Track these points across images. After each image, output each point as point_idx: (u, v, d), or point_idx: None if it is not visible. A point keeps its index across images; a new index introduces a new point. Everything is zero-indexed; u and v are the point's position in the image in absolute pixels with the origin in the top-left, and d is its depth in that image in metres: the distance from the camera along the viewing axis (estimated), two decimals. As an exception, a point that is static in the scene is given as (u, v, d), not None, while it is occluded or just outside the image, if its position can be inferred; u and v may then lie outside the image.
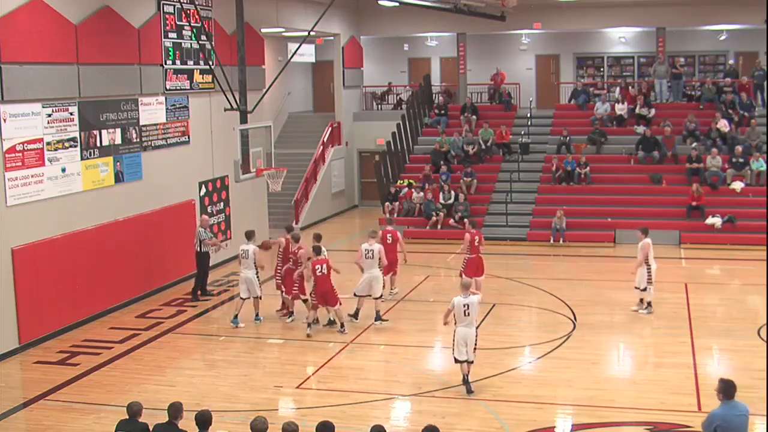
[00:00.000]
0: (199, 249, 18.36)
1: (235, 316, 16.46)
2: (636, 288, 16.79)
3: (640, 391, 12.74)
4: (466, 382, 12.66)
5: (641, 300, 16.79)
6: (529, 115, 28.88)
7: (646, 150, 25.65)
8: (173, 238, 19.49)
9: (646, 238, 16.83)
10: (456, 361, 12.75)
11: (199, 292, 18.62)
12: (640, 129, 26.44)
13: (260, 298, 16.73)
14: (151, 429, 9.08)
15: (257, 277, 16.51)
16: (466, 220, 21.56)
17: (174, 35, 19.62)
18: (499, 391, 12.80)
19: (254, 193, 23.16)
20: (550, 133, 27.82)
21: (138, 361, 14.63)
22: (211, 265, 19.26)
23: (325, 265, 15.46)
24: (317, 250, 15.58)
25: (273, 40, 28.08)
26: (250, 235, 16.77)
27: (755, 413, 11.52)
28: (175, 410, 9.03)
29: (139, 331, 16.28)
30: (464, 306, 12.61)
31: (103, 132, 17.39)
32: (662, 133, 25.90)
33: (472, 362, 12.72)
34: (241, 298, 16.57)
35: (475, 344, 12.76)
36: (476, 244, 17.47)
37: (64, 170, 16.23)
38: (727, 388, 8.43)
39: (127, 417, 9.22)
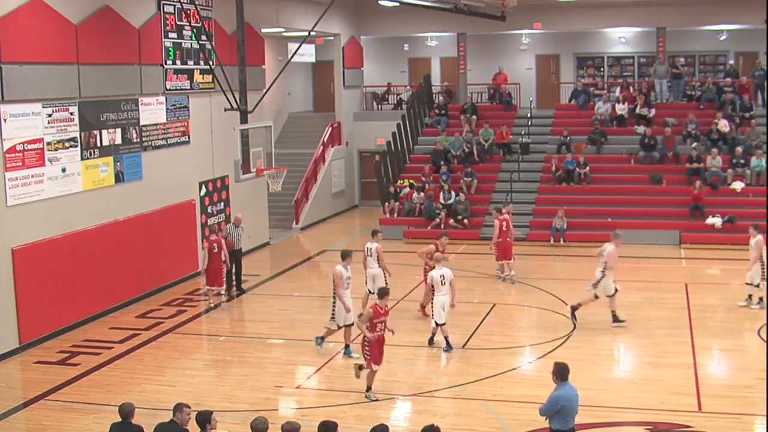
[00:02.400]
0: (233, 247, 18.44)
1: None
2: (747, 284, 16.80)
3: (640, 391, 12.75)
4: (447, 343, 14.70)
5: (750, 296, 16.81)
6: (529, 115, 28.88)
7: (646, 150, 25.66)
8: (173, 238, 19.50)
9: (759, 234, 16.83)
10: (436, 324, 14.75)
11: (233, 289, 18.84)
12: (640, 129, 26.45)
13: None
14: (150, 428, 9.09)
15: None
16: (493, 209, 21.33)
17: (174, 35, 19.63)
18: (499, 391, 12.80)
19: (254, 193, 23.16)
20: (551, 133, 27.82)
21: (138, 361, 14.63)
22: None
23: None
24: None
25: (273, 40, 28.08)
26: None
27: (755, 413, 11.60)
28: (177, 409, 9.08)
29: (139, 331, 16.28)
30: (440, 276, 14.65)
31: (104, 132, 17.39)
32: (663, 133, 25.91)
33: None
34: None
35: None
36: (504, 228, 19.08)
37: (64, 170, 16.23)
38: (560, 371, 9.23)
39: (120, 419, 9.17)
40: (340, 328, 14.48)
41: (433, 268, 15.24)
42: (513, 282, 19.42)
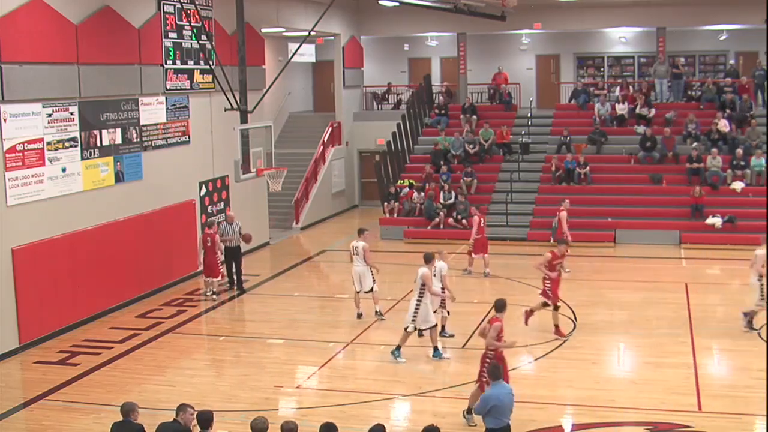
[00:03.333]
0: (227, 244, 18.81)
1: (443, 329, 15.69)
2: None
3: (640, 391, 12.74)
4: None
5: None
6: (529, 115, 28.88)
7: (646, 150, 25.65)
8: (173, 238, 19.51)
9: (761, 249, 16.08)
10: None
11: (234, 289, 19.14)
12: (640, 129, 26.44)
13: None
14: (150, 428, 9.10)
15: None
16: (472, 208, 22.15)
17: (174, 35, 19.62)
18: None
19: (254, 193, 23.16)
20: (551, 133, 27.82)
21: (138, 361, 14.63)
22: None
23: None
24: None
25: (273, 40, 28.08)
26: (428, 259, 14.77)
27: (755, 413, 11.60)
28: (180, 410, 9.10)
29: (139, 331, 16.28)
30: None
31: (104, 132, 17.40)
32: (663, 133, 25.91)
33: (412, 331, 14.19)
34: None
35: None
36: (482, 225, 20.24)
37: (64, 170, 16.24)
38: (492, 370, 9.73)
39: (121, 418, 9.19)
40: (416, 330, 14.16)
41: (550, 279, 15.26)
42: (486, 275, 20.17)
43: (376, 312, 16.71)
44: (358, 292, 16.71)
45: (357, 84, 31.24)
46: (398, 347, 14.20)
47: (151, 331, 16.30)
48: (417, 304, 14.06)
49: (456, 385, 12.96)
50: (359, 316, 16.68)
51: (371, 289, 16.71)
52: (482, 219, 20.53)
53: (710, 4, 27.82)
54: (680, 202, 23.97)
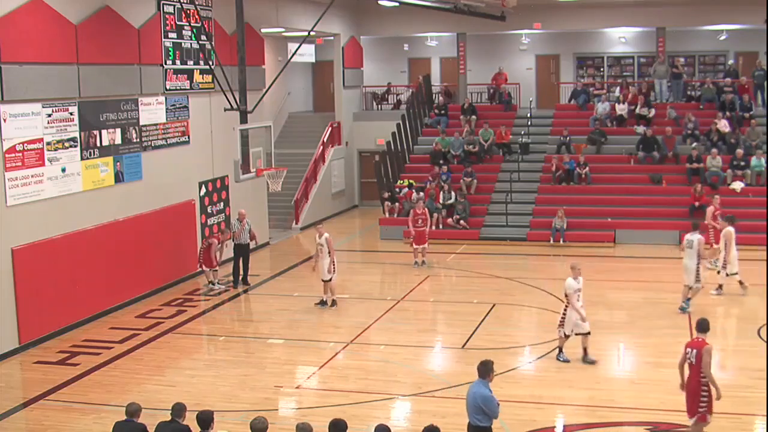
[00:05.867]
0: (235, 241, 19.72)
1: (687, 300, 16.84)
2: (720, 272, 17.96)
3: (640, 391, 12.75)
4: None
5: (720, 285, 18.02)
6: (529, 115, 28.87)
7: (646, 150, 25.66)
8: (173, 238, 19.51)
9: (729, 226, 18.06)
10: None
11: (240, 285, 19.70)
12: (640, 129, 26.44)
13: (693, 288, 16.88)
14: (150, 428, 9.10)
15: (698, 267, 16.79)
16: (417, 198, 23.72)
17: (174, 35, 19.62)
18: (499, 391, 12.68)
19: (254, 193, 23.16)
20: (550, 133, 27.81)
21: (138, 361, 14.63)
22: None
23: None
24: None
25: (273, 40, 28.08)
26: (695, 226, 17.27)
27: (755, 413, 11.59)
28: (178, 410, 9.09)
29: (139, 331, 16.28)
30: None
31: (103, 132, 17.39)
32: (663, 133, 25.91)
33: None
34: (686, 286, 16.95)
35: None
36: (424, 218, 21.37)
37: (64, 170, 16.23)
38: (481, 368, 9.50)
39: (125, 418, 9.24)
40: (567, 337, 14.06)
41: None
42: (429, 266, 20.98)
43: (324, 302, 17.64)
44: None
45: (357, 84, 31.24)
46: (560, 348, 14.14)
47: (151, 331, 16.30)
48: (564, 310, 14.06)
49: (456, 385, 12.95)
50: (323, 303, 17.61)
51: (329, 280, 17.54)
52: (424, 213, 21.55)
53: (710, 4, 27.81)
54: (680, 202, 23.96)
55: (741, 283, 18.00)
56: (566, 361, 13.98)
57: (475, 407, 9.26)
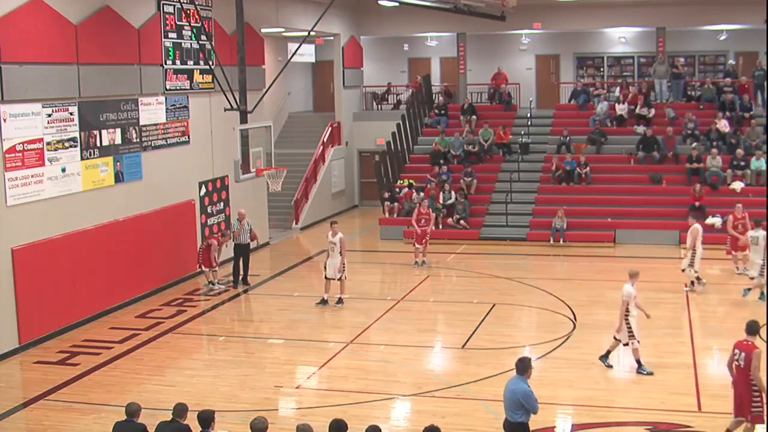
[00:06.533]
0: (235, 241, 19.80)
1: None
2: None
3: (640, 391, 12.75)
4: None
5: (693, 282, 18.18)
6: (529, 115, 28.87)
7: (646, 150, 25.66)
8: (173, 238, 19.51)
9: (696, 222, 18.46)
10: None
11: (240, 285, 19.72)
12: (640, 129, 26.44)
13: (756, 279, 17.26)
14: (150, 428, 9.10)
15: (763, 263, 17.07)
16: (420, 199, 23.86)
17: (174, 35, 19.62)
18: (499, 391, 12.68)
19: (254, 193, 23.16)
20: (550, 133, 27.81)
21: (138, 361, 14.62)
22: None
23: None
24: None
25: (273, 40, 28.07)
26: (758, 224, 17.65)
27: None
28: (180, 411, 9.10)
29: (139, 331, 16.28)
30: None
31: (103, 132, 17.39)
32: (663, 133, 25.92)
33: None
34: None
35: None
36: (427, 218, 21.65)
37: (64, 170, 16.23)
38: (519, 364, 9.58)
39: (125, 418, 9.24)
40: (618, 341, 13.74)
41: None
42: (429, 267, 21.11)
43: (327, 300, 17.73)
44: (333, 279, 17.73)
45: (357, 84, 31.23)
46: (608, 354, 13.83)
47: (151, 331, 16.29)
48: (626, 318, 13.56)
49: (456, 385, 12.95)
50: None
51: (340, 278, 17.69)
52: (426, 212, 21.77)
53: (710, 4, 27.81)
54: (680, 202, 23.96)
55: (698, 279, 18.21)
56: (650, 373, 13.27)
57: (514, 403, 9.36)
